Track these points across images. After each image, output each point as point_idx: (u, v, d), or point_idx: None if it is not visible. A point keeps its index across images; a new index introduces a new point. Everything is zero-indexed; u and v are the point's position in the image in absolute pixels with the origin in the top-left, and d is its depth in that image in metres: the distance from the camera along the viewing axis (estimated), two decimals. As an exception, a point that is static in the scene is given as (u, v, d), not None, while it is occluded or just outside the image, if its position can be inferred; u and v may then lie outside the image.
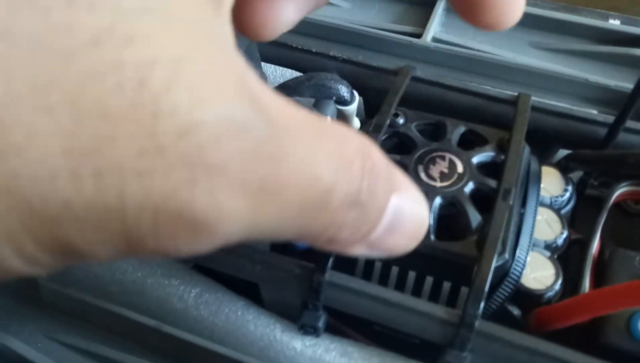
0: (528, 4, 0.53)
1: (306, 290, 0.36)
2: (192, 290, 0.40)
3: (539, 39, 0.52)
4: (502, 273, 0.36)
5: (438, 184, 0.38)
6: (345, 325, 0.41)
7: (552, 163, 0.43)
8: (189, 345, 0.36)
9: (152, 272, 0.41)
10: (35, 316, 0.40)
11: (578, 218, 0.44)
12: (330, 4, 0.56)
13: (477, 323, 0.33)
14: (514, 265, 0.36)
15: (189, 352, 0.37)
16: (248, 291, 0.41)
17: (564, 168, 0.42)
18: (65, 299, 0.39)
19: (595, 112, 0.47)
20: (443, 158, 0.39)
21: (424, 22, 0.52)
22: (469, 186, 0.37)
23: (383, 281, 0.38)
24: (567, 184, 0.41)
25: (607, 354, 0.33)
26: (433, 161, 0.39)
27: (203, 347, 0.36)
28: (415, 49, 0.50)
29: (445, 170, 0.38)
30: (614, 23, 0.53)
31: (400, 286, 0.38)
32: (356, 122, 0.45)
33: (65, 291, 0.39)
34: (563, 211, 0.41)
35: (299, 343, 0.37)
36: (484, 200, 0.37)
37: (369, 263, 0.39)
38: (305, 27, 0.54)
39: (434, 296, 0.38)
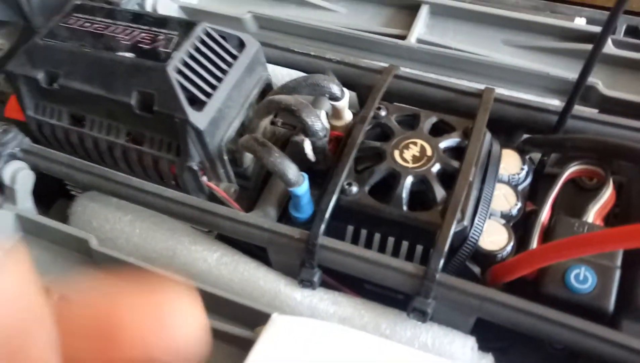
0: (502, 7, 0.61)
1: (304, 251, 0.45)
2: (214, 254, 0.49)
3: (512, 37, 0.59)
4: (462, 237, 0.44)
5: (410, 165, 0.46)
6: (341, 284, 0.49)
7: (513, 146, 0.51)
8: (212, 297, 0.45)
9: (180, 240, 0.50)
10: (90, 275, 0.50)
11: (538, 194, 0.51)
12: (329, 9, 0.64)
13: (438, 276, 0.41)
14: (472, 231, 0.45)
15: (213, 302, 0.46)
16: (259, 255, 0.50)
17: (521, 150, 0.50)
18: (112, 261, 0.49)
19: (557, 102, 0.54)
20: (415, 143, 0.47)
21: (409, 24, 0.59)
22: (436, 167, 0.45)
23: (368, 246, 0.47)
24: (523, 164, 0.49)
25: (547, 302, 0.41)
26: (407, 146, 0.47)
27: (224, 297, 0.45)
28: (400, 49, 0.58)
29: (417, 154, 0.46)
30: (580, 22, 0.59)
31: (382, 250, 0.47)
32: (348, 114, 0.53)
33: (113, 254, 0.48)
34: (520, 187, 0.49)
35: (299, 295, 0.46)
36: (449, 178, 0.45)
37: (357, 231, 0.47)
38: (305, 31, 0.62)
39: (409, 258, 0.46)
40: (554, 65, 0.56)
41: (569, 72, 0.55)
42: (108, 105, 0.49)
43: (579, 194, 0.51)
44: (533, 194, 0.51)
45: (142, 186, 0.49)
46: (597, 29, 0.56)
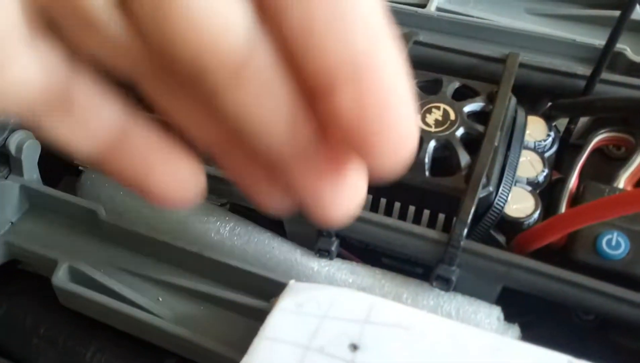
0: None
1: (321, 219, 0.43)
2: (227, 225, 0.47)
3: (535, 6, 0.57)
4: (487, 203, 0.42)
5: (433, 129, 0.44)
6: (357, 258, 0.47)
7: (539, 113, 0.49)
8: (226, 267, 0.44)
9: (192, 212, 0.49)
10: (98, 247, 0.48)
11: (564, 163, 0.49)
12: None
13: (462, 242, 0.39)
14: (497, 197, 0.43)
15: (226, 273, 0.44)
16: (273, 228, 0.48)
17: (547, 116, 0.47)
18: (122, 233, 0.47)
19: (581, 68, 0.52)
20: (438, 107, 0.45)
21: (428, -8, 0.57)
22: (460, 131, 0.44)
23: (387, 215, 0.45)
24: (550, 130, 0.47)
25: (577, 269, 0.39)
26: (429, 110, 0.45)
27: (238, 267, 0.43)
28: (419, 18, 0.56)
29: (440, 118, 0.44)
30: (605, -12, 0.57)
31: (401, 219, 0.45)
32: (366, 83, 0.51)
33: (122, 225, 0.47)
34: (546, 154, 0.47)
35: (316, 264, 0.44)
36: (473, 143, 0.43)
37: (375, 200, 0.45)
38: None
39: (431, 228, 0.44)
40: (580, 33, 0.54)
41: (593, 38, 0.53)
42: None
43: (606, 164, 0.49)
44: (559, 164, 0.49)
45: (153, 155, 0.48)
46: (624, -6, 0.54)
